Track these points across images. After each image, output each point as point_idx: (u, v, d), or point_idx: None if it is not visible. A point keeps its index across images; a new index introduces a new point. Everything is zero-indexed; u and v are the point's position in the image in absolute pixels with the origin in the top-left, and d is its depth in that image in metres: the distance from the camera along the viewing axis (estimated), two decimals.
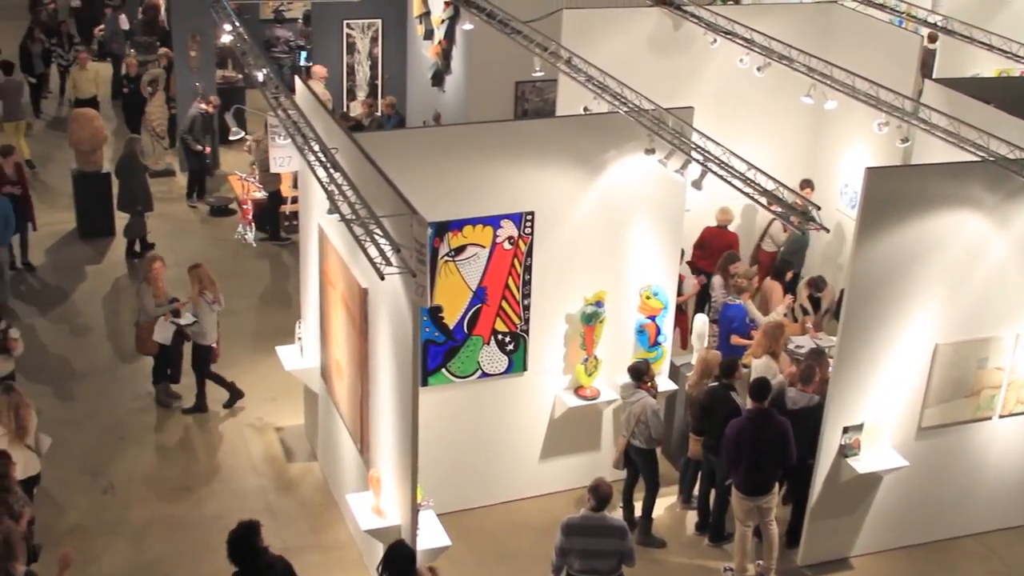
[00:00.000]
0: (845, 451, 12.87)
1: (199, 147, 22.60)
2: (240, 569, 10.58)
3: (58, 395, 16.70)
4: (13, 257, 19.80)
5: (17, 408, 13.01)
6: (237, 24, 16.34)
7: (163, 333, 16.13)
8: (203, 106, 22.74)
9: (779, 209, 12.30)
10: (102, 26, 30.59)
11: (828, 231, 15.14)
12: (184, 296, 16.20)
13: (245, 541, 10.56)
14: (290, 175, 20.11)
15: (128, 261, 20.83)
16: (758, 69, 16.16)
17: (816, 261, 18.14)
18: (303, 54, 27.62)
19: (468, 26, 19.52)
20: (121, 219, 21.39)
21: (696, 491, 14.32)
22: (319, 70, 23.44)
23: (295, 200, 18.88)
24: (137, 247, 21.02)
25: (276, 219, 21.42)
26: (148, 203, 21.02)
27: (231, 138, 21.98)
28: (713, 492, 13.92)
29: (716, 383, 13.58)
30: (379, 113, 23.79)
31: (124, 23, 29.91)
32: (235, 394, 16.55)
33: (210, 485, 14.84)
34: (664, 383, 14.52)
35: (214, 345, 16.33)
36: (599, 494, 11.30)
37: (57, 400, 16.51)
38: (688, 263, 17.02)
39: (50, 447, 13.60)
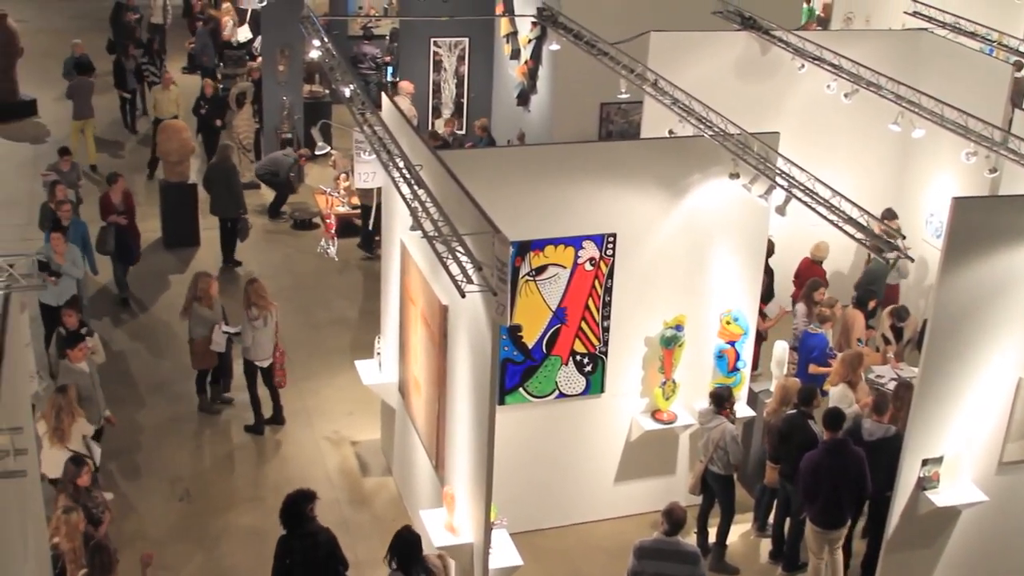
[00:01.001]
0: (924, 484, 12.68)
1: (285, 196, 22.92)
2: (287, 532, 11.54)
3: (138, 402, 16.87)
4: (126, 294, 19.54)
5: (60, 410, 13.23)
6: (325, 40, 16.46)
7: (217, 340, 16.30)
8: (296, 153, 23.08)
9: (863, 237, 12.19)
10: (192, 39, 30.94)
11: (912, 260, 14.98)
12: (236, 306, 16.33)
13: (296, 507, 11.57)
14: None
15: (224, 266, 21.12)
16: (845, 95, 16.07)
17: (899, 290, 17.95)
18: (389, 71, 27.80)
19: (555, 46, 19.56)
20: (207, 228, 21.64)
21: (771, 519, 14.21)
22: (406, 86, 23.56)
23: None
24: (226, 259, 21.34)
25: (369, 233, 21.46)
26: (240, 208, 21.30)
27: (317, 153, 22.13)
28: (788, 521, 13.80)
29: (794, 411, 13.48)
30: (461, 132, 23.92)
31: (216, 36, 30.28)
32: (259, 425, 16.45)
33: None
34: (742, 409, 14.43)
35: (259, 363, 16.20)
36: (673, 518, 11.24)
37: (137, 407, 16.68)
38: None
39: (127, 454, 13.73)
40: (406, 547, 11.17)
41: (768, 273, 16.84)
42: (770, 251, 16.57)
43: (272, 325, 16.03)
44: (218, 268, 20.78)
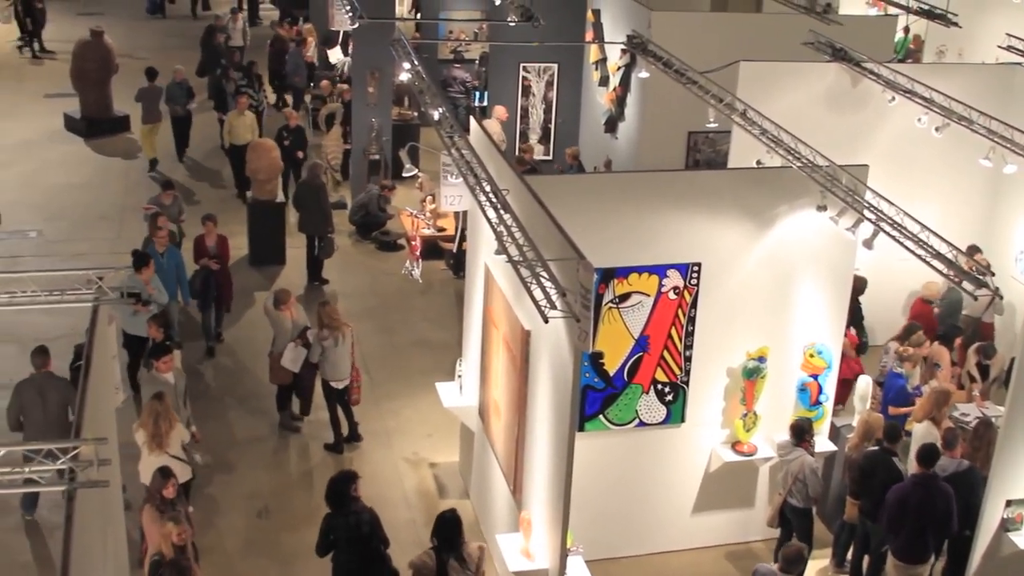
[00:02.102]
0: (1007, 525, 12.52)
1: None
2: (332, 511, 12.37)
3: (220, 418, 17.02)
4: (212, 343, 19.06)
5: (157, 416, 13.40)
6: (416, 63, 16.57)
7: (290, 358, 16.39)
8: (378, 185, 23.24)
9: (952, 273, 12.07)
10: (285, 59, 31.24)
11: (1002, 298, 14.82)
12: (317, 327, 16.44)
13: (340, 487, 12.38)
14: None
15: (309, 284, 21.30)
16: (936, 129, 15.94)
17: (993, 328, 17.71)
18: (478, 94, 27.92)
19: (644, 74, 19.57)
20: (292, 247, 21.85)
21: (850, 555, 14.06)
22: (500, 111, 23.65)
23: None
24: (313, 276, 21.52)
25: (461, 255, 21.49)
26: (329, 227, 21.43)
27: (404, 175, 22.27)
28: (867, 558, 13.66)
29: (877, 447, 13.34)
30: (548, 158, 23.97)
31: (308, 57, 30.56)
32: (338, 444, 16.52)
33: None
34: (823, 443, 14.31)
35: (334, 383, 16.27)
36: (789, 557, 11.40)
37: (219, 423, 16.83)
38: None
39: (208, 467, 13.87)
40: (447, 528, 11.73)
41: (858, 311, 16.76)
42: (861, 288, 16.46)
43: (347, 346, 16.13)
44: (304, 286, 20.95)
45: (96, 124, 28.70)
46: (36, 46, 35.51)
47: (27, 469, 8.91)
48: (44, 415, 14.17)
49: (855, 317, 16.67)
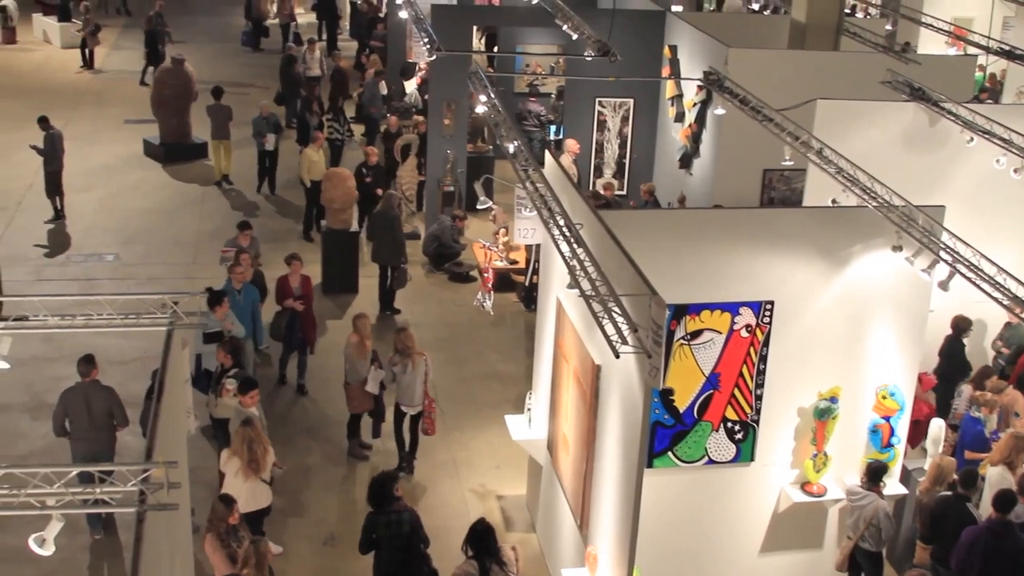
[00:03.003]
0: None
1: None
2: (374, 510, 12.88)
3: (289, 444, 17.11)
4: (284, 372, 19.06)
5: (251, 442, 13.54)
6: (492, 95, 16.64)
7: (371, 382, 16.51)
8: (451, 217, 23.32)
9: None
10: (361, 88, 31.46)
11: None
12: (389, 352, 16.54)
13: (381, 486, 12.91)
14: None
15: (380, 314, 21.39)
16: (1015, 171, 15.77)
17: None
18: (553, 128, 27.96)
19: (720, 111, 19.54)
20: (366, 276, 21.97)
21: None
22: (572, 144, 23.68)
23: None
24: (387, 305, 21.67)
25: (532, 288, 21.49)
26: (403, 257, 21.57)
27: (478, 207, 22.34)
28: None
29: (950, 492, 13.18)
30: (622, 193, 23.97)
31: (383, 88, 30.74)
32: (408, 466, 16.64)
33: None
34: (894, 486, 14.16)
35: (405, 408, 16.40)
36: None
37: (288, 449, 16.90)
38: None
39: (275, 495, 13.98)
40: (480, 537, 12.12)
41: (960, 351, 16.57)
42: (965, 328, 16.32)
43: (420, 373, 16.20)
44: (375, 316, 21.04)
45: (174, 150, 29.07)
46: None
47: (99, 490, 9.01)
48: (90, 422, 14.67)
49: (958, 357, 16.51)
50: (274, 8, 41.87)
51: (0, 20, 40.56)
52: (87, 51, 37.67)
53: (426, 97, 31.21)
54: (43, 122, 24.66)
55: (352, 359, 16.53)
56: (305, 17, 42.77)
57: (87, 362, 14.79)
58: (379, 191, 23.93)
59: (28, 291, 20.20)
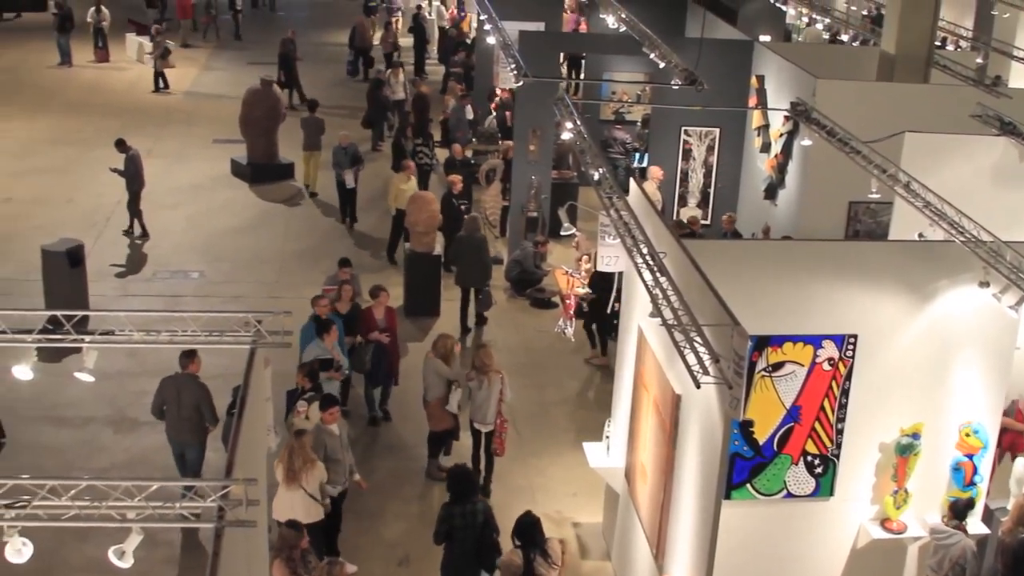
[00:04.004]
0: None
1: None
2: (450, 500, 13.46)
3: (367, 464, 17.14)
4: (374, 412, 18.76)
5: (291, 452, 13.84)
6: (578, 122, 16.65)
7: (452, 402, 16.62)
8: (533, 243, 23.34)
9: None
10: (447, 111, 31.61)
11: None
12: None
13: (465, 479, 13.68)
14: None
15: (462, 336, 21.45)
16: None
17: None
18: (637, 156, 27.94)
19: (807, 142, 19.42)
20: (448, 299, 22.04)
21: None
22: (655, 171, 23.64)
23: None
24: (470, 324, 21.83)
25: (613, 315, 21.47)
26: (488, 279, 21.74)
27: (562, 233, 22.35)
28: None
29: None
30: (707, 223, 23.90)
31: (469, 112, 30.89)
32: (483, 489, 16.55)
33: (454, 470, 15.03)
34: (976, 526, 13.96)
35: (477, 424, 16.50)
36: None
37: (366, 469, 16.91)
38: None
39: (351, 514, 14.05)
40: (526, 528, 12.73)
41: None
42: None
43: (495, 391, 16.26)
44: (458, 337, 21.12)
45: (261, 170, 29.37)
46: (295, 97, 36.61)
47: (178, 504, 9.09)
48: (178, 412, 15.52)
49: None
50: (378, 37, 42.26)
51: (94, 39, 41.22)
52: (159, 74, 38.31)
53: (492, 119, 31.46)
54: (120, 144, 25.02)
55: (431, 377, 16.60)
56: (406, 40, 43.04)
57: (188, 355, 15.36)
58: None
59: (114, 306, 20.46)
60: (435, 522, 13.60)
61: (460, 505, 13.41)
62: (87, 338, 11.06)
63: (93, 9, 41.36)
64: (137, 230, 25.35)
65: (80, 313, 11.24)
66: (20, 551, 9.25)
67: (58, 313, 11.02)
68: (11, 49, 42.91)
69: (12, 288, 22.03)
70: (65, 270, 20.07)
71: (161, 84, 38.15)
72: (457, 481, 13.66)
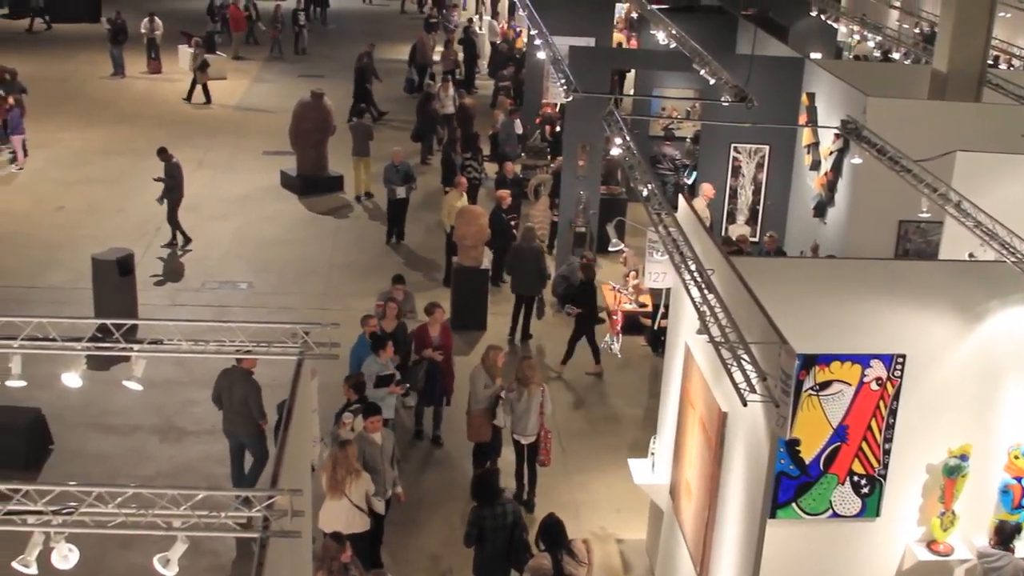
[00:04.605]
0: None
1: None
2: (478, 504, 13.61)
3: (411, 476, 17.17)
4: (421, 426, 18.64)
5: (335, 462, 13.92)
6: (627, 138, 16.64)
7: (500, 416, 16.59)
8: (581, 257, 23.33)
9: None
10: (497, 125, 31.64)
11: None
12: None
13: (486, 483, 13.77)
14: None
15: (513, 346, 21.59)
16: None
17: None
18: (688, 172, 27.88)
19: (857, 160, 19.34)
20: (495, 313, 22.05)
21: None
22: (707, 188, 23.60)
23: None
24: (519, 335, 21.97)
25: (660, 332, 21.43)
26: (542, 287, 21.94)
27: (610, 249, 22.33)
28: None
29: None
30: (754, 239, 23.81)
31: (518, 127, 30.92)
32: (527, 504, 16.62)
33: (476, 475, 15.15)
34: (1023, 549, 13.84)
35: (518, 436, 16.50)
36: None
37: (411, 481, 16.95)
38: None
39: (394, 526, 14.09)
40: (550, 530, 12.87)
41: None
42: None
43: (536, 404, 16.26)
44: (506, 345, 21.16)
45: (311, 182, 29.51)
46: (374, 112, 36.82)
47: (223, 514, 9.12)
48: (229, 404, 16.01)
49: None
50: (438, 53, 42.39)
51: (147, 50, 41.55)
52: (198, 86, 38.61)
53: (538, 132, 31.52)
54: (162, 153, 25.26)
55: (477, 388, 16.64)
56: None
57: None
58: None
59: (163, 315, 20.61)
60: (465, 525, 13.80)
61: (490, 508, 13.59)
62: (136, 347, 11.13)
63: (146, 20, 41.77)
64: (179, 240, 25.50)
65: (129, 322, 11.31)
66: (66, 557, 9.32)
67: (108, 322, 11.09)
68: (65, 60, 43.33)
69: (63, 296, 22.23)
70: (115, 279, 20.20)
71: (201, 97, 38.42)
72: (481, 485, 13.91)
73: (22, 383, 11.54)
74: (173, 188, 25.07)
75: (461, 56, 41.82)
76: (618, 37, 36.60)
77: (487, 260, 22.82)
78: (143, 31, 41.75)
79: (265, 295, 23.28)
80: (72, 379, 11.58)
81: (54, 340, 11.00)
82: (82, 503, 9.13)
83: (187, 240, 25.54)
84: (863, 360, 12.70)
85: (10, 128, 30.72)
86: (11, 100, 31.07)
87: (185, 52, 42.24)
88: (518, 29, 43.40)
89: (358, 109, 29.26)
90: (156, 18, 42.08)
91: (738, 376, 10.10)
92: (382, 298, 19.25)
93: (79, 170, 30.87)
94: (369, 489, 14.17)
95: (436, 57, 42.22)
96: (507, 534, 13.60)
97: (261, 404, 15.87)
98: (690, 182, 27.11)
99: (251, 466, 16.31)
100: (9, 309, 17.90)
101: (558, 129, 30.39)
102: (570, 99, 20.63)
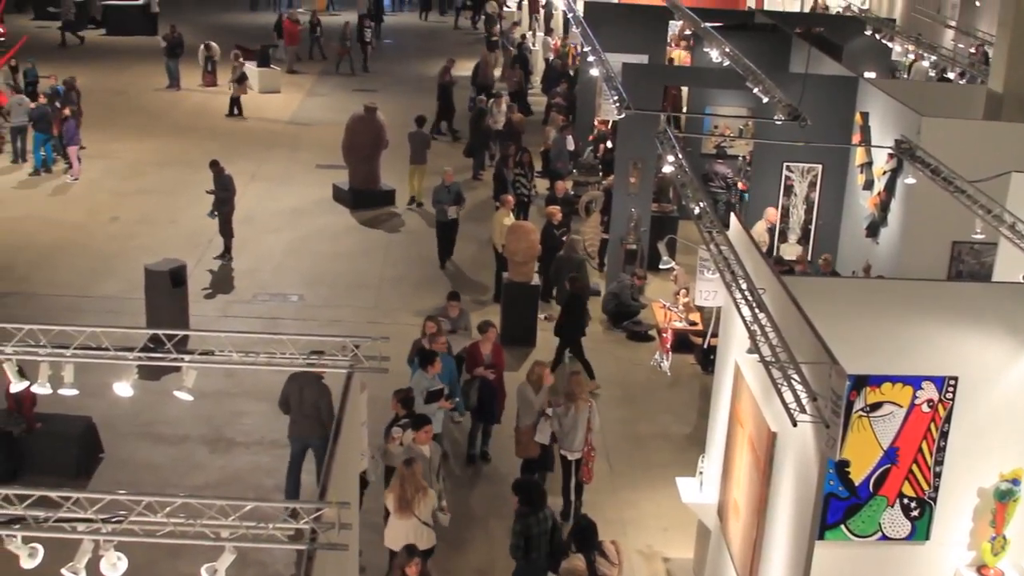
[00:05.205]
0: None
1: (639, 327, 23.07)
2: (525, 511, 13.76)
3: (456, 491, 17.17)
4: (474, 449, 18.46)
5: (403, 481, 13.85)
6: (679, 156, 16.61)
7: (541, 433, 16.61)
8: (631, 275, 23.34)
9: None
10: (549, 142, 31.64)
11: None
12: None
13: (534, 486, 14.21)
14: None
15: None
16: None
17: None
18: (740, 194, 27.79)
19: (911, 180, 19.23)
20: (544, 329, 22.06)
21: None
22: (771, 212, 23.49)
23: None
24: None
25: (710, 350, 21.41)
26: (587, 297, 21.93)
27: (661, 267, 22.30)
28: None
29: None
30: (808, 259, 23.70)
31: (570, 143, 30.91)
32: (567, 511, 16.62)
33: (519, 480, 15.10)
34: None
35: (564, 452, 16.56)
36: None
37: (456, 496, 16.97)
38: None
39: (447, 543, 14.11)
40: (583, 532, 13.31)
41: None
42: None
43: (583, 419, 16.31)
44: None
45: (363, 196, 29.64)
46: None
47: (271, 525, 9.16)
48: (299, 408, 16.00)
49: None
50: (498, 73, 42.54)
51: (203, 63, 41.85)
52: (234, 99, 38.94)
53: (590, 150, 31.53)
54: (214, 165, 25.51)
55: (523, 404, 16.65)
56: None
57: (316, 355, 15.36)
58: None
59: (214, 327, 20.71)
60: (511, 536, 13.91)
61: (535, 514, 13.78)
62: (187, 357, 11.22)
63: (202, 48, 42.07)
64: (224, 251, 25.78)
65: (181, 333, 11.40)
66: (115, 565, 9.38)
67: (159, 332, 11.18)
68: (122, 72, 43.71)
69: (115, 306, 22.39)
70: (167, 290, 20.33)
71: (235, 110, 38.91)
72: (529, 491, 14.10)
73: (74, 391, 11.66)
74: (225, 200, 25.21)
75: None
76: (677, 54, 36.53)
77: (538, 276, 22.83)
78: (200, 59, 42.10)
79: (316, 308, 23.38)
80: (123, 388, 11.67)
81: (106, 349, 11.09)
82: (131, 512, 9.20)
83: (228, 253, 25.58)
84: (914, 382, 12.62)
85: (65, 139, 31.02)
86: (67, 111, 31.37)
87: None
88: (576, 46, 43.39)
89: (418, 118, 29.72)
90: (212, 44, 42.40)
91: (788, 396, 10.06)
92: (436, 316, 19.29)
93: (133, 181, 31.15)
94: (434, 505, 14.22)
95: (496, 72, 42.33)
96: (549, 539, 13.85)
97: (332, 408, 15.82)
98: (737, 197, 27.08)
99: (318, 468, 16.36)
100: (63, 318, 18.08)
101: (610, 146, 30.35)
102: (622, 116, 20.62)
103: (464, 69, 41.56)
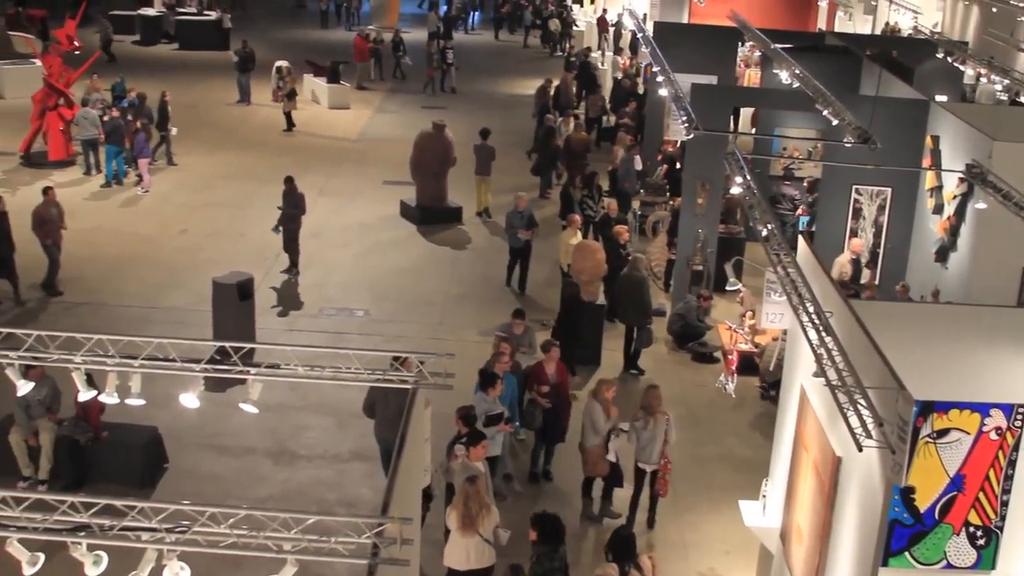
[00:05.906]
0: None
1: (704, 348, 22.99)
2: (546, 549, 13.50)
3: (515, 507, 17.14)
4: (537, 468, 18.34)
5: (467, 498, 13.80)
6: (748, 177, 16.56)
7: (611, 451, 16.72)
8: (697, 296, 23.25)
9: None
10: (617, 162, 31.60)
11: None
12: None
13: (557, 524, 13.70)
14: None
15: (624, 373, 21.67)
16: None
17: None
18: (803, 220, 27.62)
19: (981, 205, 19.07)
20: (610, 349, 22.02)
21: None
22: (856, 243, 23.24)
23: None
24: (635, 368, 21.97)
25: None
26: (648, 318, 21.92)
27: (727, 288, 22.22)
28: None
29: None
30: (876, 283, 23.55)
31: (638, 163, 30.86)
32: (629, 525, 16.53)
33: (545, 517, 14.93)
34: None
35: (642, 464, 16.65)
36: None
37: (516, 513, 16.92)
38: None
39: (504, 563, 14.08)
40: (622, 542, 13.18)
41: None
42: None
43: (660, 432, 16.47)
44: (618, 375, 21.14)
45: (430, 213, 29.74)
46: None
47: (333, 539, 9.19)
48: (384, 412, 16.23)
49: None
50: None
51: (276, 80, 42.13)
52: (291, 113, 39.24)
53: (660, 169, 31.50)
54: (288, 181, 25.70)
55: (589, 423, 16.64)
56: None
57: (399, 360, 15.48)
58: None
59: (280, 340, 20.84)
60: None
61: (555, 550, 13.63)
62: (253, 370, 11.29)
63: (274, 73, 42.09)
64: (290, 266, 25.89)
65: (247, 345, 11.47)
66: (178, 574, 9.45)
67: (226, 344, 11.26)
68: (193, 86, 44.09)
69: (183, 318, 22.57)
70: (234, 302, 20.47)
71: (287, 124, 39.17)
72: (548, 526, 13.78)
73: (141, 401, 11.77)
74: (293, 217, 25.36)
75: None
76: (750, 73, 36.45)
77: (603, 296, 22.83)
78: (272, 84, 42.29)
79: (381, 323, 23.46)
80: (189, 399, 11.77)
81: (173, 361, 11.19)
82: (195, 522, 9.26)
83: (293, 266, 25.73)
84: (983, 409, 12.46)
85: (136, 152, 31.34)
86: (138, 124, 31.71)
87: (311, 82, 42.84)
88: (646, 66, 43.31)
89: (483, 131, 30.60)
90: (284, 65, 42.15)
91: (854, 421, 9.99)
92: (502, 330, 19.32)
93: (203, 194, 31.44)
94: (496, 522, 14.20)
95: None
96: (563, 572, 13.77)
97: None
98: (812, 230, 26.91)
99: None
100: (131, 329, 18.29)
101: (678, 166, 30.27)
102: (691, 136, 20.59)
103: (528, 88, 41.52)
